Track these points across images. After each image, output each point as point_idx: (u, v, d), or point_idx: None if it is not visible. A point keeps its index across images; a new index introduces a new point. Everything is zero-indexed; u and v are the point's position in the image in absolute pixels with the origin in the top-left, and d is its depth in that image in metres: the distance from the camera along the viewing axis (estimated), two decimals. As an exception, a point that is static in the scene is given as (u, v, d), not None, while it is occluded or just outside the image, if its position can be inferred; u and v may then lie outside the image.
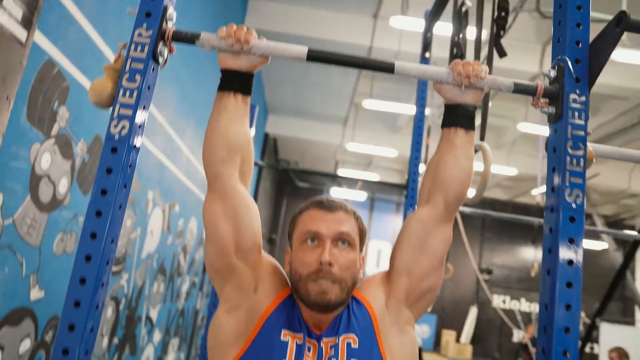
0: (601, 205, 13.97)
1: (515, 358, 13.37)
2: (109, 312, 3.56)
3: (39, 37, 2.17)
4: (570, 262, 0.96)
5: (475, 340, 16.49)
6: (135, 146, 1.03)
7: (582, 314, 15.41)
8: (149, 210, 4.05)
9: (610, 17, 0.98)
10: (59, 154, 2.52)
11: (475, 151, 1.79)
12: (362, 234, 1.13)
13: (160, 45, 1.07)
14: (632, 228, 13.17)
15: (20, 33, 1.97)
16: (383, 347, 0.99)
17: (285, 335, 0.99)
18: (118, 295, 3.68)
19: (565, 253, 0.97)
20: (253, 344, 0.99)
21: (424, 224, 1.10)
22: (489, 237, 17.05)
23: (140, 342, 4.46)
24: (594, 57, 1.01)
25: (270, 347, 0.97)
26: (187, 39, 1.10)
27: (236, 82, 1.11)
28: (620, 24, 0.94)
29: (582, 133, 1.00)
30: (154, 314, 4.71)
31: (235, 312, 1.06)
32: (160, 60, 1.09)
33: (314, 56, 1.09)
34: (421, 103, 2.91)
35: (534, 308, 15.83)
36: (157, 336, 4.94)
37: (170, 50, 1.11)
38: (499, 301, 16.87)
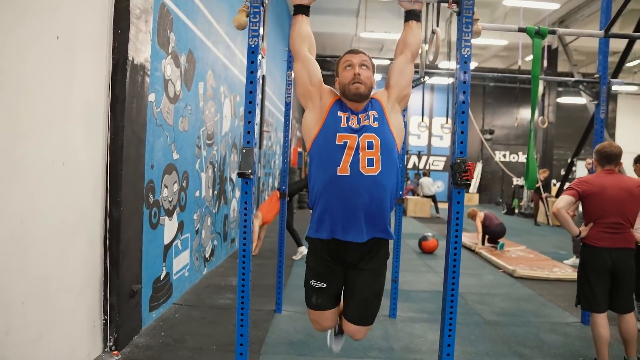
0: (586, 65, 14.18)
1: (513, 199, 14.23)
2: (209, 171, 4.64)
3: (156, -11, 2.98)
4: (464, 81, 1.89)
5: (481, 189, 17.85)
6: (259, 48, 1.95)
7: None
8: (222, 100, 5.00)
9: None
10: (174, 65, 3.45)
11: (433, 32, 2.63)
12: (374, 66, 2.09)
13: (264, -2, 1.96)
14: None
15: (149, -12, 2.80)
16: (388, 118, 1.99)
17: (340, 113, 1.95)
18: (213, 160, 4.74)
19: (460, 76, 1.89)
20: (325, 121, 1.97)
21: (402, 63, 2.03)
22: (490, 102, 17.60)
23: (229, 196, 5.64)
24: (476, -21, 1.85)
25: (334, 119, 1.95)
26: (275, -6, 1.97)
27: (302, 9, 2.02)
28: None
29: (470, 20, 1.87)
30: (233, 177, 5.81)
31: (313, 111, 1.96)
32: (265, 4, 1.97)
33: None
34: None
35: (529, 158, 16.70)
36: (237, 193, 6.08)
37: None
38: (500, 156, 17.84)
